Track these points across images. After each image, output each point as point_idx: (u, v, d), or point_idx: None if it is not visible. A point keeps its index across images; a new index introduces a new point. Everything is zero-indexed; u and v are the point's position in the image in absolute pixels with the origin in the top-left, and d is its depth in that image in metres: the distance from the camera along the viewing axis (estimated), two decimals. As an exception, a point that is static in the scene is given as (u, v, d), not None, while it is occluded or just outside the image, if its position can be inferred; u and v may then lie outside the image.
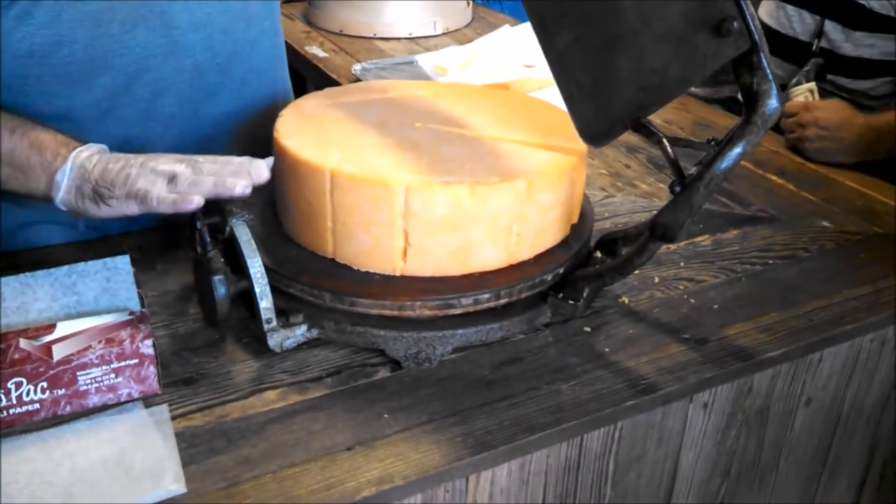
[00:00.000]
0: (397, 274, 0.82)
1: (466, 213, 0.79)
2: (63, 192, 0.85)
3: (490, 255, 0.83)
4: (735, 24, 0.73)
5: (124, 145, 0.95)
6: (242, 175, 0.82)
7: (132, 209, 0.83)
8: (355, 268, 0.83)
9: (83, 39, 0.90)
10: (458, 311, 0.81)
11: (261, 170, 0.83)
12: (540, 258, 0.86)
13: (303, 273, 0.83)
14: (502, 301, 0.83)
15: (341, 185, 0.80)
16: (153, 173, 0.82)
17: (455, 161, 0.84)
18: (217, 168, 0.83)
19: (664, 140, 0.80)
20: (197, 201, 0.81)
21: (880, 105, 1.50)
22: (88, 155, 0.85)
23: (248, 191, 0.82)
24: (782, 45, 1.65)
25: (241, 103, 1.07)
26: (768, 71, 0.74)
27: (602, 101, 0.79)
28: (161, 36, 0.95)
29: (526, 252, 0.85)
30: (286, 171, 0.85)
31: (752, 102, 0.74)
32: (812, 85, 1.48)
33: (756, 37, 0.73)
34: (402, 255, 0.81)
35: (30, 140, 0.86)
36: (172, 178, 0.82)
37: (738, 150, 0.75)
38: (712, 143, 0.78)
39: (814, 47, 1.61)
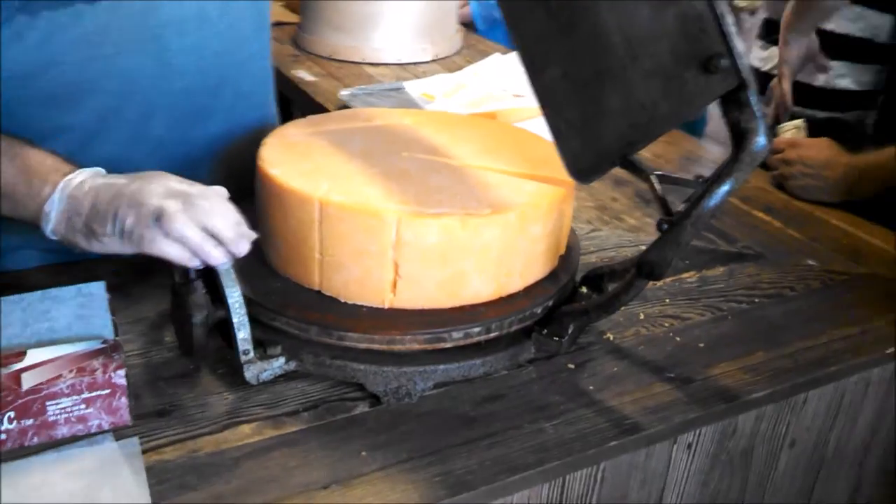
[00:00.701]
0: (385, 306, 0.81)
1: (458, 244, 0.78)
2: (53, 224, 0.80)
3: (480, 287, 0.82)
4: (723, 61, 0.72)
5: (111, 167, 0.93)
6: (227, 241, 0.77)
7: (126, 250, 0.78)
8: (342, 300, 0.81)
9: (74, 61, 0.89)
10: (448, 345, 0.80)
11: (244, 248, 0.78)
12: (529, 290, 0.85)
13: (289, 306, 0.81)
14: (493, 334, 0.81)
15: (331, 214, 0.78)
16: (141, 211, 0.76)
17: (444, 191, 0.83)
18: (209, 208, 0.77)
19: (652, 177, 0.80)
20: (195, 265, 0.77)
21: None
22: (79, 182, 0.80)
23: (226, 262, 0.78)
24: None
25: (229, 127, 1.06)
26: (756, 109, 0.74)
27: (590, 137, 0.78)
28: (153, 58, 0.94)
29: (516, 284, 0.84)
30: (271, 201, 0.84)
31: (740, 140, 0.74)
32: (800, 122, 1.49)
33: (744, 74, 0.73)
34: (391, 287, 0.80)
35: (18, 166, 0.81)
36: (160, 216, 0.75)
37: (725, 187, 0.74)
38: (700, 180, 0.78)
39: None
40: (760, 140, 0.73)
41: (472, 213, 0.79)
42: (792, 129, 1.50)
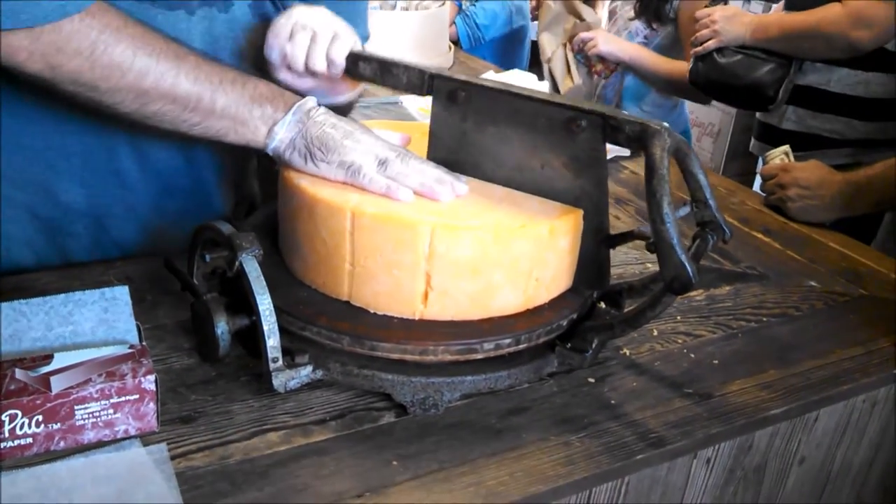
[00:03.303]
0: (416, 318, 0.81)
1: (490, 256, 0.79)
2: (275, 143, 0.87)
3: (509, 298, 0.82)
4: (581, 121, 0.81)
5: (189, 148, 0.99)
6: (446, 185, 0.85)
7: (339, 176, 0.85)
8: (371, 310, 0.81)
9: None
10: (479, 356, 0.80)
11: (463, 189, 0.86)
12: (554, 303, 0.86)
13: (319, 316, 0.80)
14: (521, 346, 0.82)
15: (363, 225, 0.78)
16: (368, 152, 0.85)
17: (474, 204, 0.83)
18: (421, 167, 0.85)
19: (639, 229, 0.90)
20: (408, 196, 0.83)
21: None
22: (311, 107, 0.87)
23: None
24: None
25: None
26: (628, 117, 0.80)
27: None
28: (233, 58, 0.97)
29: (542, 296, 0.85)
30: (300, 211, 0.83)
31: (647, 142, 0.78)
32: (787, 148, 1.52)
33: (599, 111, 0.81)
34: (422, 299, 0.80)
35: (250, 92, 0.87)
36: (384, 162, 0.84)
37: (663, 172, 0.77)
38: (687, 203, 0.85)
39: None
40: (658, 130, 0.78)
41: (505, 225, 0.79)
42: (780, 155, 1.53)
